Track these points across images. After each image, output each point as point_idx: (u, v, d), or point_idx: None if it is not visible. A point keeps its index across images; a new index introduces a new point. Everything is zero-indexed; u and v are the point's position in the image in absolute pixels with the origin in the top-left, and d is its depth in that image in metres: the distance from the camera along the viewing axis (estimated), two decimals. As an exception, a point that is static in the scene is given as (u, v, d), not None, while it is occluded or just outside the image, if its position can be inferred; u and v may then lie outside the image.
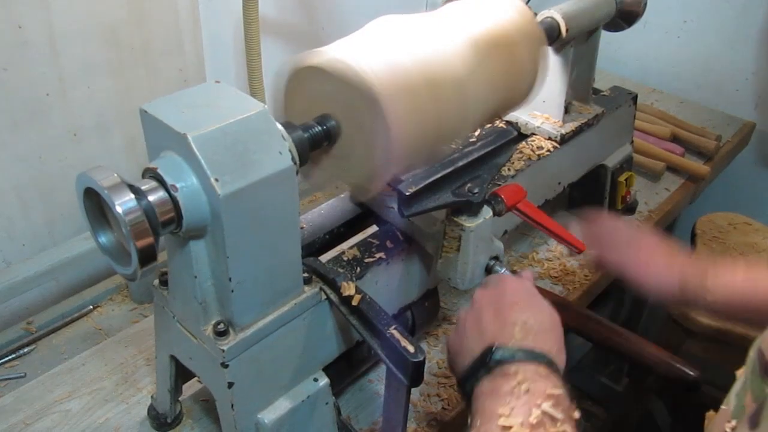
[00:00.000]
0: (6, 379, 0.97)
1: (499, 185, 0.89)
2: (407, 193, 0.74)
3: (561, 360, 0.68)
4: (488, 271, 0.86)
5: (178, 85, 1.17)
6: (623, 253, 0.90)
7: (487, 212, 0.82)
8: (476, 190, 0.80)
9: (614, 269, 0.91)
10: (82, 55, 1.03)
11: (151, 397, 0.91)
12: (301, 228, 0.87)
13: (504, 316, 0.70)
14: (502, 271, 0.84)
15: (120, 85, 1.10)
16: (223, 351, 0.68)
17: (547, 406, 0.59)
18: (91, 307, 1.10)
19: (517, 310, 0.70)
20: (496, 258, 0.86)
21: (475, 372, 0.66)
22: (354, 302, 0.72)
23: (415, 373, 0.67)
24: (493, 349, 0.66)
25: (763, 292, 0.81)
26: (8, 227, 1.07)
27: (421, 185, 0.75)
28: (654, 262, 0.87)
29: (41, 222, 1.11)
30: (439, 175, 0.77)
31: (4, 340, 1.03)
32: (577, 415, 0.61)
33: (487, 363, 0.65)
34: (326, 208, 0.91)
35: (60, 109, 1.04)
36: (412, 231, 0.88)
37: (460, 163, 0.79)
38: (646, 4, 1.12)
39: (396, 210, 0.84)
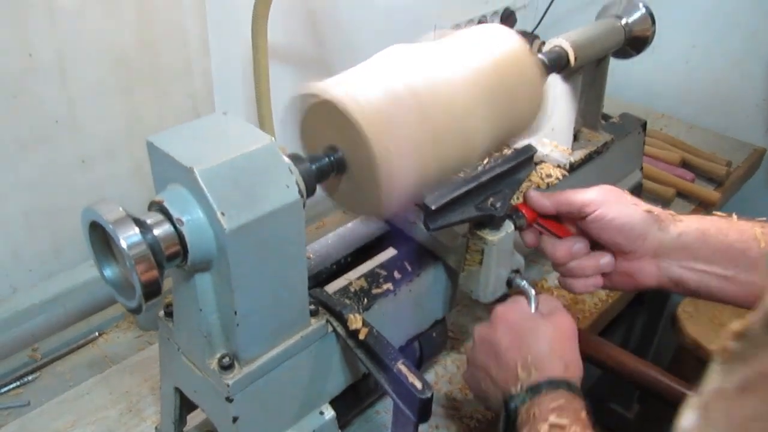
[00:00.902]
0: (10, 408, 0.96)
1: (519, 201, 0.90)
2: (433, 208, 0.75)
3: (573, 370, 0.71)
4: (509, 284, 0.87)
5: (187, 111, 1.18)
6: (584, 192, 0.83)
7: (509, 226, 0.83)
8: (498, 205, 0.81)
9: (574, 208, 0.83)
10: (91, 82, 1.04)
11: (155, 428, 0.90)
12: (308, 258, 0.86)
13: (505, 362, 0.73)
14: (523, 284, 0.85)
15: (129, 110, 1.10)
16: (228, 385, 0.67)
17: (552, 418, 0.62)
18: (97, 333, 1.09)
19: (514, 351, 0.73)
20: (517, 271, 0.87)
21: (506, 427, 0.71)
22: (361, 336, 0.71)
23: (422, 410, 0.66)
24: (507, 402, 0.70)
25: (736, 232, 0.76)
26: (16, 252, 1.07)
27: (446, 200, 0.76)
28: (618, 194, 0.83)
29: (48, 247, 1.11)
30: (463, 190, 0.78)
31: (9, 368, 1.03)
32: (583, 415, 0.64)
33: (509, 416, 0.70)
34: (333, 238, 0.91)
35: (69, 135, 1.04)
36: (433, 246, 0.89)
37: (483, 179, 0.80)
38: (654, 32, 1.12)
39: (418, 225, 0.86)
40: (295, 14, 1.29)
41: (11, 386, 0.99)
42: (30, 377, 1.01)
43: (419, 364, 0.94)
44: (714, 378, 0.35)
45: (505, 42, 0.85)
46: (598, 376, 1.79)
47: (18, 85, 0.96)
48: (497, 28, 0.89)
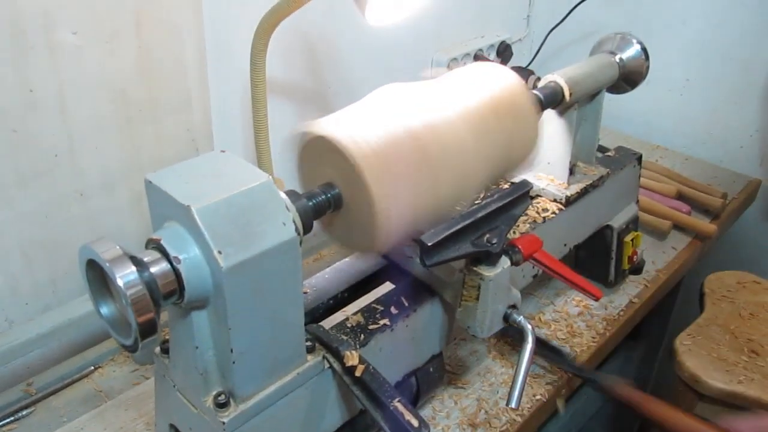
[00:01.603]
0: (3, 444, 0.95)
1: (516, 236, 0.90)
2: (429, 244, 0.75)
3: None
4: (506, 319, 0.87)
5: (186, 145, 1.18)
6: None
7: (505, 262, 0.84)
8: (495, 241, 0.81)
9: None
10: (91, 117, 1.04)
11: (150, 464, 0.89)
12: (305, 293, 0.86)
13: None
14: (519, 319, 0.86)
15: (127, 144, 1.11)
16: (224, 423, 0.66)
17: None
18: (92, 367, 1.09)
19: None
20: (513, 306, 0.88)
21: None
22: (357, 373, 0.71)
23: (419, 448, 0.65)
24: None
25: None
26: (12, 285, 1.07)
27: (442, 236, 0.76)
28: None
29: (45, 280, 1.10)
30: (459, 227, 0.78)
31: (4, 402, 1.02)
32: None
33: None
34: (330, 272, 0.91)
35: (68, 168, 1.05)
36: (431, 281, 0.89)
37: (479, 215, 0.80)
38: (648, 67, 1.13)
39: (415, 260, 0.87)
40: (293, 49, 1.31)
41: (5, 421, 0.98)
42: (24, 412, 1.00)
43: (416, 400, 0.93)
44: None
45: (500, 80, 0.87)
46: (600, 405, 1.77)
47: (18, 120, 0.97)
48: (492, 67, 0.90)
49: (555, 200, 1.09)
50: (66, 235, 1.08)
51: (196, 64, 1.14)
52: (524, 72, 1.09)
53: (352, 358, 0.72)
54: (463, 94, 0.82)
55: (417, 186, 0.73)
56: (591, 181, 1.13)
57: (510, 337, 1.12)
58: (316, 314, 0.85)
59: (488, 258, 0.81)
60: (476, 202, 0.84)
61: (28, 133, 0.99)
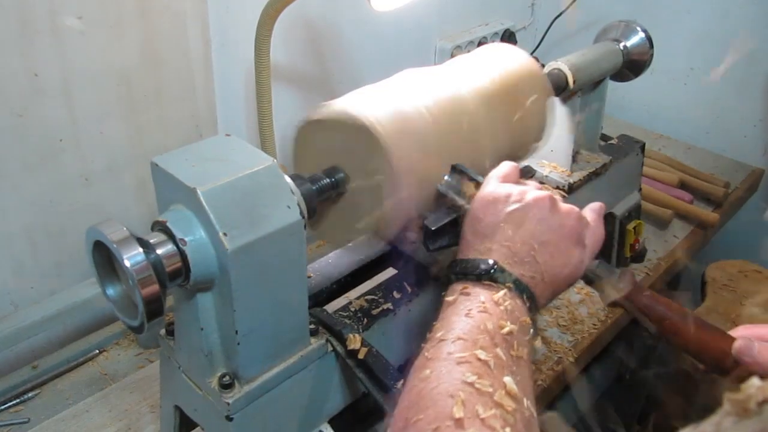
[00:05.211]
0: (9, 425, 0.96)
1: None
2: (433, 228, 0.75)
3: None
4: None
5: (190, 130, 1.19)
6: None
7: None
8: None
9: None
10: (95, 101, 1.05)
11: (155, 446, 0.90)
12: (308, 277, 0.87)
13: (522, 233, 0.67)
14: None
15: (132, 129, 1.11)
16: (228, 404, 0.67)
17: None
18: (97, 351, 1.10)
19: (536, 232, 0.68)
20: None
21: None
22: (360, 355, 0.72)
23: (421, 430, 0.66)
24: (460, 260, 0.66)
25: None
26: (18, 269, 1.08)
27: (446, 221, 0.76)
28: None
29: (50, 264, 1.11)
30: (462, 211, 0.78)
31: (9, 385, 1.03)
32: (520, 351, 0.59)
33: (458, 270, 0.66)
34: (334, 257, 0.91)
35: (72, 153, 1.06)
36: (433, 266, 0.89)
37: None
38: (652, 55, 1.13)
39: (418, 245, 0.85)
40: (297, 36, 1.31)
41: (11, 403, 0.99)
42: (30, 394, 1.01)
43: (418, 384, 0.94)
44: (716, 420, 0.36)
45: (516, 62, 0.87)
46: (610, 383, 1.78)
47: (24, 105, 0.97)
48: (508, 49, 0.91)
49: (558, 187, 1.09)
50: (71, 219, 1.09)
51: (200, 51, 1.15)
52: (528, 59, 1.09)
53: (354, 341, 0.73)
54: (478, 75, 0.82)
55: (427, 163, 0.74)
56: (594, 169, 1.13)
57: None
58: (319, 298, 0.85)
59: None
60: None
61: (34, 117, 0.99)
